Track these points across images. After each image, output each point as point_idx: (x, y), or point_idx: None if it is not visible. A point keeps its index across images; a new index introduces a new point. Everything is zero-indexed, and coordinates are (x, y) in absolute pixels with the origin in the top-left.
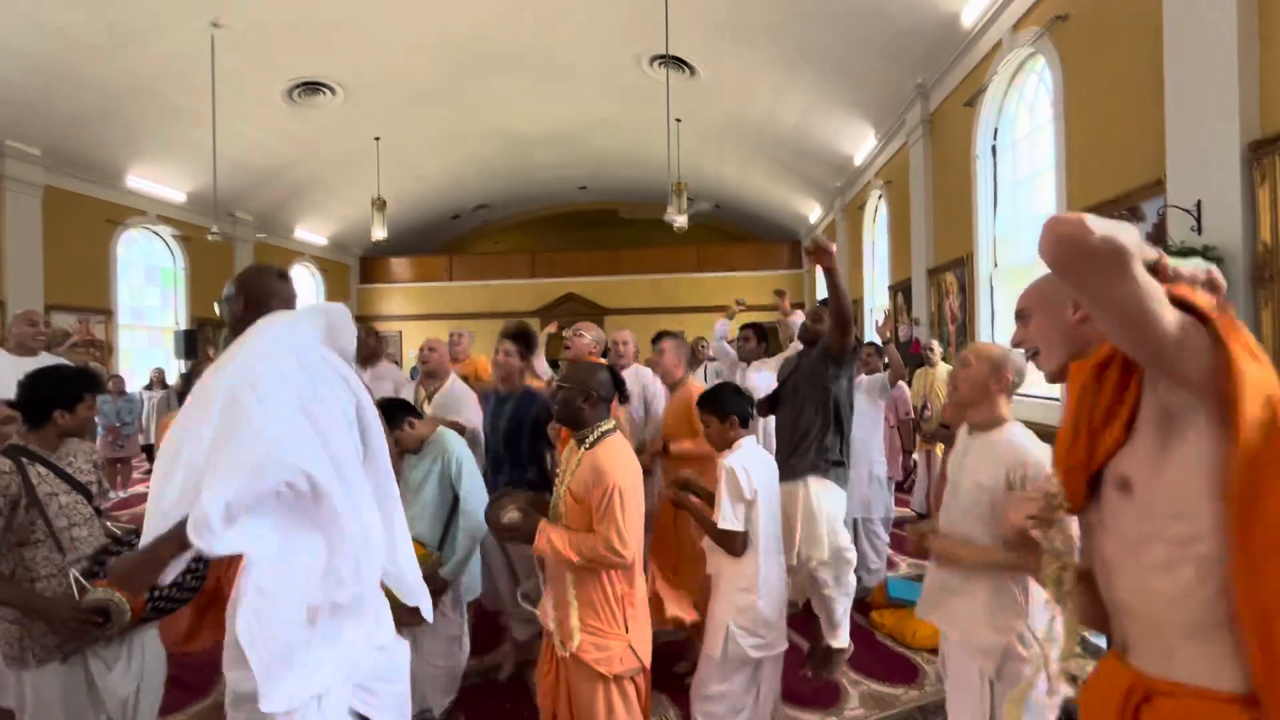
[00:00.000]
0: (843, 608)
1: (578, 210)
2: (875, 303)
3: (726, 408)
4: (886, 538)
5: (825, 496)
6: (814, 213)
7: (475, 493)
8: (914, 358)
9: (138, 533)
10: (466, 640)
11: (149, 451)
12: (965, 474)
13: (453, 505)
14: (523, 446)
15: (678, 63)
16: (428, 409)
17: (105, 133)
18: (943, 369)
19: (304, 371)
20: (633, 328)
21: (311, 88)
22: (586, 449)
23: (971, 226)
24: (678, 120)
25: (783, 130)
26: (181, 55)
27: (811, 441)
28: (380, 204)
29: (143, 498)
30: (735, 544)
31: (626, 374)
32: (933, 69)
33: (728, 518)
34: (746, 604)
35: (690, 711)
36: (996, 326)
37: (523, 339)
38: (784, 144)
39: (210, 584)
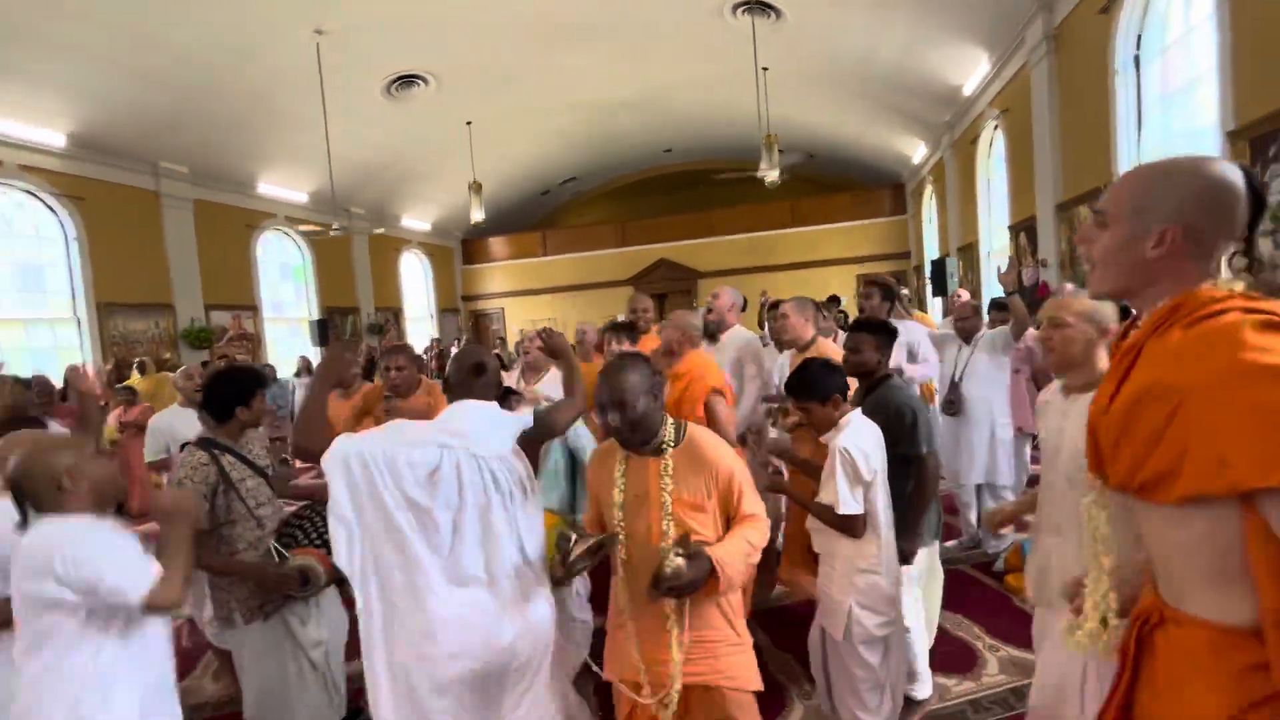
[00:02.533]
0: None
1: (664, 174)
2: (993, 246)
3: (825, 389)
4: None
5: None
6: (918, 152)
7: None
8: (1042, 301)
9: (310, 505)
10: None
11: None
12: (1066, 439)
13: (573, 468)
14: None
15: (762, 7)
16: None
17: (237, 145)
18: None
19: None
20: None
21: (407, 80)
22: (675, 446)
23: (1110, 151)
24: (764, 69)
25: (880, 66)
26: (291, 65)
27: None
28: (476, 187)
29: (300, 472)
30: (856, 527)
31: (544, 383)
32: None
33: (848, 502)
34: (868, 584)
35: (833, 699)
36: None
37: (626, 330)
38: (882, 81)
39: None
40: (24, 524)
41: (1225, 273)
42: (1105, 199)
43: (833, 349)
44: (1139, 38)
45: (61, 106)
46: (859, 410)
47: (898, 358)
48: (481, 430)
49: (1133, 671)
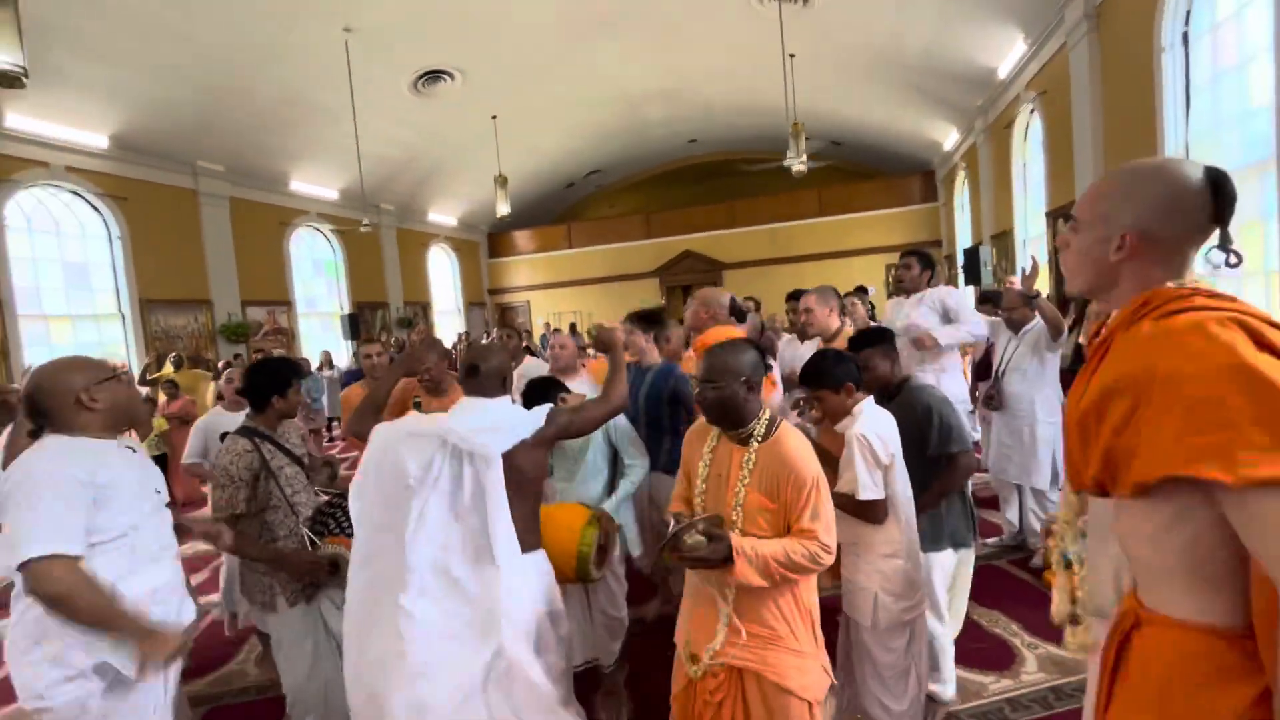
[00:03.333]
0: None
1: (689, 165)
2: (1029, 233)
3: (838, 377)
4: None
5: None
6: (949, 138)
7: (627, 443)
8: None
9: (341, 493)
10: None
11: (329, 423)
12: None
13: (612, 458)
14: (663, 416)
15: None
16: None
17: (270, 143)
18: None
19: None
20: (754, 281)
21: (433, 76)
22: (760, 442)
23: (1156, 132)
24: (791, 56)
25: (910, 50)
26: (321, 63)
27: None
28: (502, 180)
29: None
30: (878, 512)
31: (574, 385)
32: None
33: (868, 487)
34: (892, 569)
35: (856, 684)
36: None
37: (644, 319)
38: (912, 65)
39: None
40: (37, 435)
41: (1202, 267)
42: (1077, 206)
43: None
44: (1188, 13)
45: (104, 110)
46: (871, 398)
47: (930, 320)
48: (479, 427)
49: (1111, 675)
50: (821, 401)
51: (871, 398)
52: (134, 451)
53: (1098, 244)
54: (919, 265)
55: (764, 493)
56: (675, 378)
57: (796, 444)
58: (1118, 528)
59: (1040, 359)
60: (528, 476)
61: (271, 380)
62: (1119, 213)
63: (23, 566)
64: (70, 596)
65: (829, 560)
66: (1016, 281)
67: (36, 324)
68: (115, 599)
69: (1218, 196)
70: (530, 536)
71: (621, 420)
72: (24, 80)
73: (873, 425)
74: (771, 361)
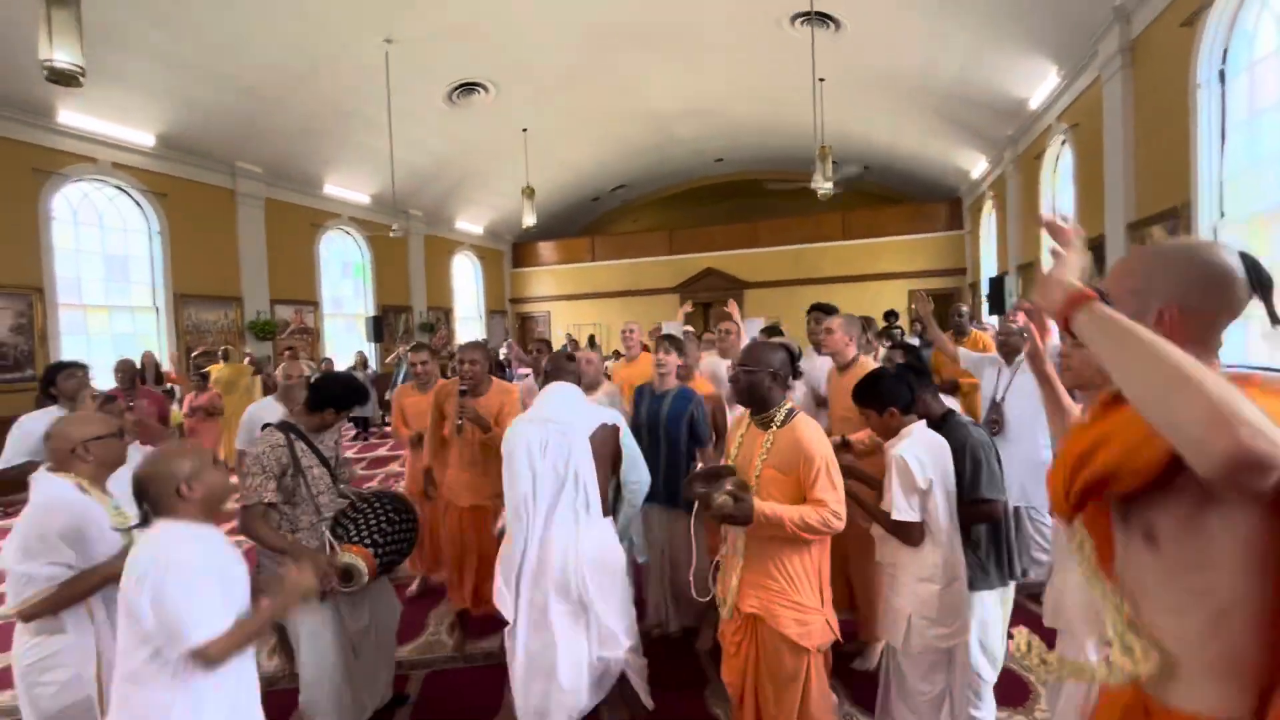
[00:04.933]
0: None
1: (715, 184)
2: None
3: (883, 398)
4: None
5: None
6: (978, 167)
7: (635, 458)
8: None
9: (365, 498)
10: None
11: (356, 422)
12: None
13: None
14: (680, 439)
15: (822, 18)
16: None
17: (308, 148)
18: None
19: None
20: (775, 301)
21: (468, 88)
22: (778, 427)
23: (1189, 169)
24: (821, 80)
25: (942, 77)
26: (362, 72)
27: None
28: (529, 192)
29: (350, 462)
30: (912, 535)
31: (595, 399)
32: None
33: (901, 509)
34: (928, 594)
35: (888, 706)
36: None
37: (673, 341)
38: (943, 92)
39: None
40: (144, 523)
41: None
42: (1107, 281)
43: (874, 367)
44: (1225, 52)
45: (152, 109)
46: (923, 422)
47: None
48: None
49: None
50: (867, 419)
51: (924, 421)
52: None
53: (1133, 319)
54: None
55: (778, 469)
56: (693, 402)
57: (809, 430)
58: (1142, 619)
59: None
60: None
61: (339, 395)
62: (1156, 287)
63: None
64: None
65: (840, 525)
66: (1020, 319)
67: (75, 313)
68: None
69: (1255, 276)
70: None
71: (627, 434)
72: (81, 80)
73: (914, 448)
74: (801, 370)
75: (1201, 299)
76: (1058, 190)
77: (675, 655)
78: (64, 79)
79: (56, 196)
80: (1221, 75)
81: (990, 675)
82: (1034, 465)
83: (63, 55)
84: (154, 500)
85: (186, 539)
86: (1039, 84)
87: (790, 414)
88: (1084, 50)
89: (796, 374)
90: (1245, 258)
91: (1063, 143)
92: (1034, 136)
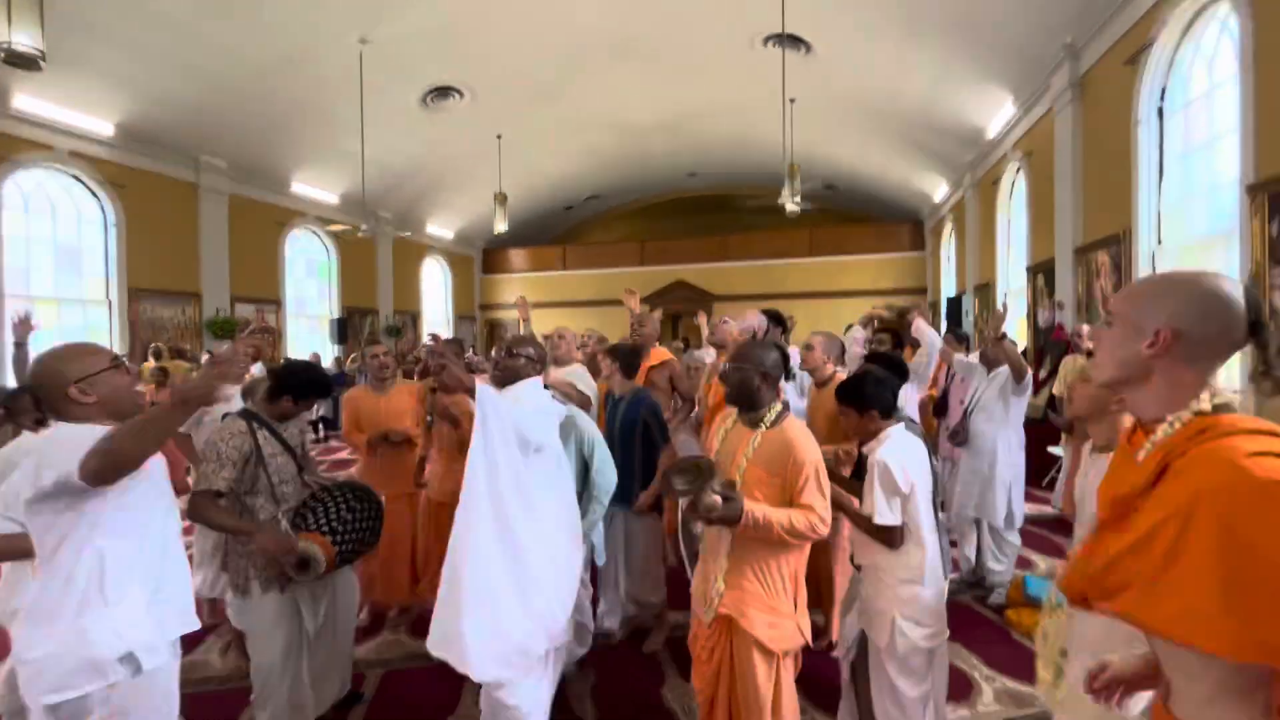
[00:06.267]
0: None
1: (686, 197)
2: (1010, 285)
3: (866, 400)
4: (1015, 540)
5: None
6: (939, 191)
7: (605, 462)
8: (1056, 344)
9: (326, 488)
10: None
11: (315, 424)
12: (1088, 497)
13: (584, 474)
14: (635, 442)
15: (793, 40)
16: None
17: (275, 144)
18: None
19: None
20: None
21: (443, 92)
22: (768, 428)
23: (1130, 199)
24: (791, 100)
25: (906, 103)
26: (335, 71)
27: None
28: (502, 198)
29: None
30: (894, 538)
31: (565, 373)
32: (1086, 25)
33: (883, 513)
34: (910, 595)
35: (870, 705)
36: None
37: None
38: (907, 118)
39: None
40: (41, 424)
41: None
42: (1113, 301)
43: None
44: (1163, 90)
45: (113, 97)
46: (902, 425)
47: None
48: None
49: None
50: (844, 416)
51: (902, 425)
52: None
53: (1132, 338)
54: (890, 341)
55: (764, 469)
56: (644, 408)
57: (799, 433)
58: (1152, 642)
59: (1005, 402)
60: None
61: (300, 385)
62: (1156, 309)
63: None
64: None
65: (825, 531)
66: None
67: (22, 305)
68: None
69: (1253, 311)
70: None
71: (596, 435)
72: (41, 64)
73: (895, 452)
74: (794, 371)
75: (1198, 325)
76: (1013, 215)
77: (631, 652)
78: (24, 62)
79: (8, 183)
80: (1160, 112)
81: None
82: (991, 480)
83: (22, 38)
84: (48, 405)
85: (80, 435)
86: (997, 113)
87: (781, 415)
88: (1038, 83)
89: (789, 375)
90: (1249, 296)
91: (1018, 170)
92: (991, 163)
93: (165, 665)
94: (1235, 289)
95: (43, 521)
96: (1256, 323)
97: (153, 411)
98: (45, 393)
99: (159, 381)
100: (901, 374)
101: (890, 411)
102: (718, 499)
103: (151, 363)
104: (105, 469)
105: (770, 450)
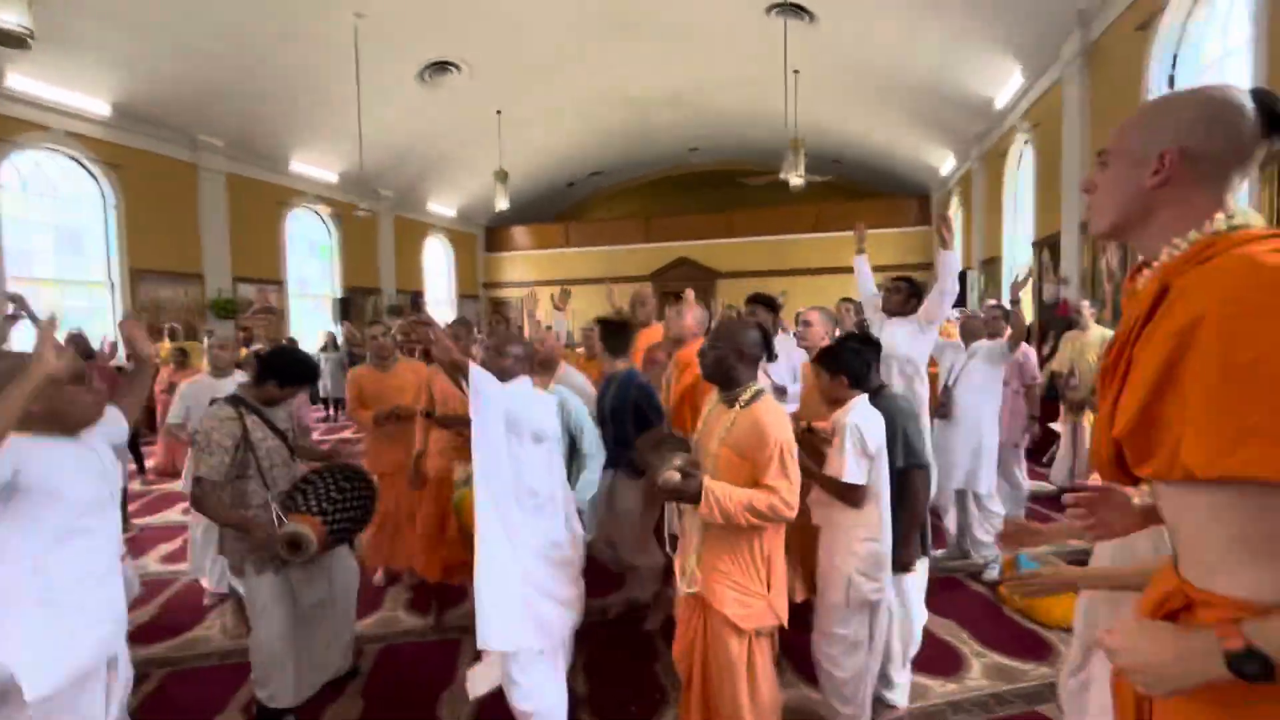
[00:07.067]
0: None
1: (689, 173)
2: (1016, 260)
3: (841, 364)
4: (1000, 511)
5: None
6: (947, 164)
7: (591, 438)
8: (1061, 320)
9: (316, 469)
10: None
11: (325, 403)
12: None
13: (571, 448)
14: (628, 420)
15: (796, 9)
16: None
17: (273, 122)
18: (1096, 332)
19: None
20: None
21: (441, 67)
22: (742, 408)
23: None
24: (795, 72)
25: (912, 74)
26: (331, 47)
27: None
28: (502, 175)
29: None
30: (859, 497)
31: (559, 377)
32: None
33: (853, 472)
34: (869, 551)
35: (813, 655)
36: None
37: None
38: (913, 90)
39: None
40: None
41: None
42: (1108, 142)
43: None
44: (1175, 57)
45: (108, 76)
46: (865, 396)
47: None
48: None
49: None
50: (818, 377)
51: (866, 396)
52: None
53: (1132, 171)
54: (907, 291)
55: (735, 450)
56: (635, 386)
57: (769, 413)
58: (1162, 503)
59: (993, 373)
60: None
61: (285, 371)
62: (1158, 132)
63: None
64: None
65: (789, 514)
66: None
67: (25, 287)
68: None
69: (1266, 108)
70: None
71: (581, 409)
72: (30, 41)
73: (863, 418)
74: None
75: (1206, 139)
76: (1020, 188)
77: (628, 626)
78: (11, 40)
79: (6, 165)
80: (1171, 80)
81: (914, 642)
82: (978, 451)
83: (9, 15)
84: None
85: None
86: (1005, 83)
87: (756, 396)
88: (1047, 52)
89: (771, 355)
90: (1260, 95)
91: (1025, 142)
92: (999, 135)
93: (63, 693)
94: (1241, 94)
95: None
96: (1275, 115)
97: None
98: None
99: (179, 362)
100: (874, 341)
101: (860, 381)
102: (675, 475)
103: (168, 343)
104: None
105: (741, 431)
